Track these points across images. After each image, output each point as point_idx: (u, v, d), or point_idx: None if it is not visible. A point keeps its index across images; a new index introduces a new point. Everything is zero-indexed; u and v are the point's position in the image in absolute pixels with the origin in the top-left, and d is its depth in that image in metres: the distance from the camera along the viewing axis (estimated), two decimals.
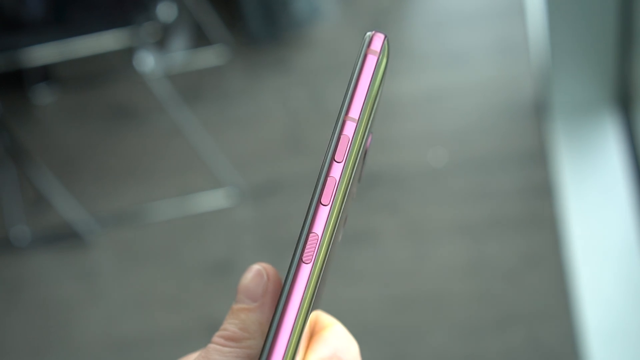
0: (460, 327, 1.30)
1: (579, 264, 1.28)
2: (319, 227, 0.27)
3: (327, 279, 0.32)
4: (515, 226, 1.38)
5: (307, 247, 0.27)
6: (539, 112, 1.51)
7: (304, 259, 0.27)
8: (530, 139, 1.48)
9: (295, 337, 0.27)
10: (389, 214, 1.44)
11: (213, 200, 1.53)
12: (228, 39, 1.75)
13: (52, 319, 1.45)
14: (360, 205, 1.44)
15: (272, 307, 0.31)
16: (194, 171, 1.57)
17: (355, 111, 0.28)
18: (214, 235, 1.49)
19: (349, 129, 0.28)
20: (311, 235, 0.27)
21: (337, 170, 0.28)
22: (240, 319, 0.31)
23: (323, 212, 0.27)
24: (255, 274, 0.32)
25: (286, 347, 0.27)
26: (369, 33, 0.28)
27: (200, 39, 1.75)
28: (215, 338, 0.31)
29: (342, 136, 0.28)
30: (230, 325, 0.31)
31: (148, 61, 1.40)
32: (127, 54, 1.42)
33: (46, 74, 1.76)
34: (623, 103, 1.42)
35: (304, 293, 0.27)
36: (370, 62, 0.28)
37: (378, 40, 0.28)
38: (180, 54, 1.75)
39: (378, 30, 0.28)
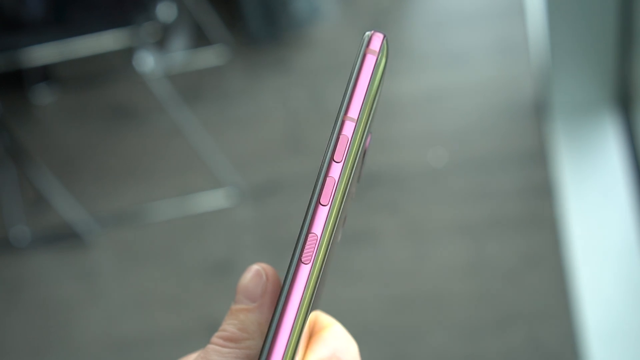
0: (460, 327, 1.30)
1: (579, 264, 1.28)
2: (318, 227, 0.27)
3: (327, 279, 0.32)
4: (515, 226, 1.38)
5: (306, 247, 0.27)
6: (539, 112, 1.51)
7: (303, 259, 0.27)
8: (530, 139, 1.48)
9: (294, 338, 0.27)
10: (389, 214, 1.44)
11: (213, 200, 1.53)
12: (228, 39, 1.75)
13: (52, 319, 1.45)
14: (360, 205, 1.44)
15: (271, 308, 0.31)
16: (194, 171, 1.57)
17: (354, 111, 0.28)
18: (214, 235, 1.49)
19: (348, 128, 0.28)
20: (310, 235, 0.27)
21: (336, 170, 0.28)
22: (239, 320, 0.31)
23: (322, 213, 0.27)
24: (254, 274, 0.32)
25: (286, 348, 0.27)
26: (367, 33, 0.28)
27: (200, 39, 1.75)
28: (214, 339, 0.30)
29: (341, 136, 0.28)
30: (229, 326, 0.31)
31: (148, 61, 1.40)
32: (127, 54, 1.42)
33: (46, 74, 1.76)
34: (623, 103, 1.42)
35: (303, 293, 0.27)
36: (369, 61, 0.28)
37: (377, 40, 0.28)
38: (180, 54, 1.75)
39: (377, 29, 0.28)
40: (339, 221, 0.28)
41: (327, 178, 0.27)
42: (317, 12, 1.73)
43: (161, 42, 1.69)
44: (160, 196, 1.55)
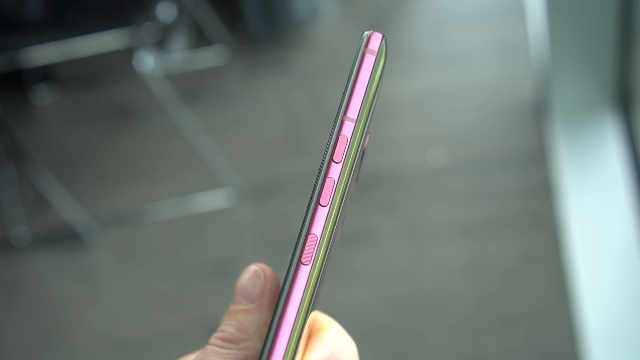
0: (460, 328, 1.30)
1: (579, 264, 1.28)
2: (317, 228, 0.27)
3: (326, 279, 0.32)
4: (516, 226, 1.38)
5: (306, 248, 0.27)
6: (539, 112, 1.51)
7: (303, 260, 0.27)
8: (530, 139, 1.48)
9: (294, 338, 0.27)
10: (388, 214, 1.44)
11: (213, 200, 1.53)
12: (228, 39, 1.75)
13: (52, 319, 1.45)
14: (360, 205, 1.44)
15: (270, 308, 0.31)
16: (193, 171, 1.57)
17: (353, 111, 0.28)
18: (214, 235, 1.49)
19: (347, 129, 0.28)
20: (310, 236, 0.27)
21: (335, 170, 0.27)
22: (238, 320, 0.31)
23: (322, 213, 0.27)
24: (253, 274, 0.32)
25: (286, 348, 0.26)
26: (366, 32, 0.28)
27: (200, 39, 1.75)
28: (213, 339, 0.30)
29: (340, 136, 0.28)
30: (227, 327, 0.31)
31: (148, 61, 1.40)
32: (127, 54, 1.42)
33: (46, 74, 1.76)
34: (623, 103, 1.42)
35: (303, 294, 0.27)
36: (368, 61, 0.28)
37: (376, 40, 0.28)
38: (180, 54, 1.75)
39: (376, 29, 0.28)
40: (339, 222, 0.28)
41: (327, 179, 0.27)
42: (317, 12, 1.73)
43: (161, 42, 1.69)
44: (160, 196, 1.55)
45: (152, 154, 1.63)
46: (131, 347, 1.39)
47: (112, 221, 1.54)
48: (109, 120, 1.71)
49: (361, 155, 0.29)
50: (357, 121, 0.28)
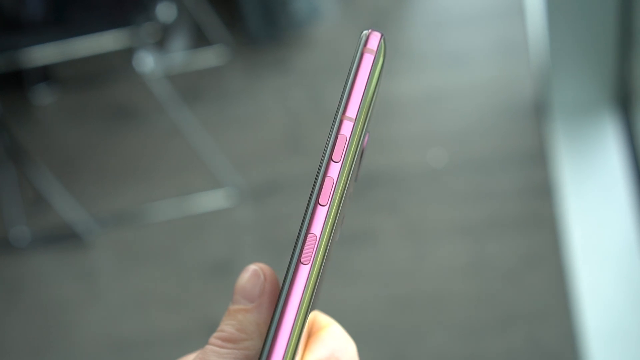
0: (460, 327, 1.30)
1: (579, 264, 1.28)
2: (317, 227, 0.27)
3: (325, 278, 0.32)
4: (515, 226, 1.38)
5: (306, 248, 0.27)
6: (539, 112, 1.51)
7: (302, 260, 0.27)
8: (530, 139, 1.48)
9: (294, 338, 0.27)
10: (388, 214, 1.44)
11: (213, 200, 1.53)
12: (228, 39, 1.75)
13: (52, 319, 1.45)
14: (359, 205, 1.44)
15: (270, 308, 0.31)
16: (193, 171, 1.57)
17: (352, 110, 0.28)
18: (214, 236, 1.49)
19: (347, 128, 0.28)
20: (309, 236, 0.27)
21: (334, 170, 0.27)
22: (237, 320, 0.31)
23: (321, 213, 0.27)
24: (252, 274, 0.32)
25: (286, 348, 0.26)
26: (365, 32, 0.28)
27: (200, 39, 1.75)
28: (212, 339, 0.30)
29: (339, 136, 0.28)
30: (227, 327, 0.30)
31: (148, 61, 1.40)
32: (127, 54, 1.42)
33: (46, 74, 1.76)
34: (623, 103, 1.42)
35: (302, 294, 0.27)
36: (367, 61, 0.28)
37: (374, 39, 0.28)
38: (180, 54, 1.75)
39: (374, 28, 0.28)
40: (338, 221, 0.28)
41: (326, 178, 0.27)
42: (316, 12, 1.73)
43: (161, 43, 1.69)
44: (160, 196, 1.55)
45: (152, 154, 1.63)
46: (131, 347, 1.39)
47: (112, 221, 1.54)
48: (109, 120, 1.71)
49: (360, 154, 0.29)
50: (356, 120, 0.28)
